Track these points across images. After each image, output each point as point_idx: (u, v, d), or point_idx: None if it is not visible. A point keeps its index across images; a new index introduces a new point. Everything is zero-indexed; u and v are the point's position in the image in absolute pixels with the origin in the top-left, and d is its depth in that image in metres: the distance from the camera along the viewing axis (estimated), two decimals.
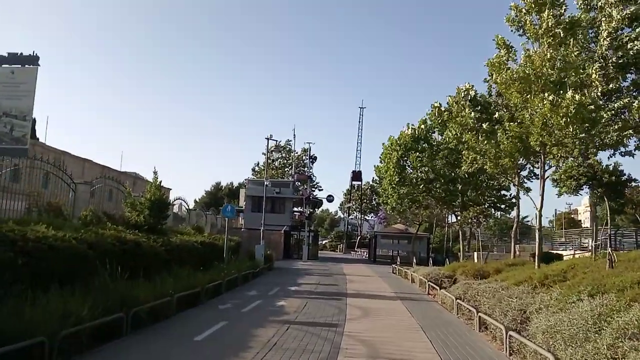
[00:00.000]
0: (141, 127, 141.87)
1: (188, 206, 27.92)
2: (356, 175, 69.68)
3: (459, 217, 23.96)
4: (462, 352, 8.29)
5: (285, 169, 53.50)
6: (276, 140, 26.23)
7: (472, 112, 17.69)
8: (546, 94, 13.47)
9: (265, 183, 27.23)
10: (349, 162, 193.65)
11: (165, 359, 7.47)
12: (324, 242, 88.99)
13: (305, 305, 13.08)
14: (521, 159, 17.61)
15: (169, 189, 64.79)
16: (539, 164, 15.93)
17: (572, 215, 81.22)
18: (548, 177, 17.75)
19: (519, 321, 8.76)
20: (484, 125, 16.83)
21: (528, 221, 42.21)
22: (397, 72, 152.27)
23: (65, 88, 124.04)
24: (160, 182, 16.98)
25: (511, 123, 15.61)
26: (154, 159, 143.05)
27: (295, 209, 42.61)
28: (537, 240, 15.92)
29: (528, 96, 14.60)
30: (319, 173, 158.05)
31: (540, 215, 15.86)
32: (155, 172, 17.01)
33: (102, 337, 7.88)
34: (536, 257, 15.12)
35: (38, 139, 52.02)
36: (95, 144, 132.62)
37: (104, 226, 13.29)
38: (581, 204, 73.42)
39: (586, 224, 56.62)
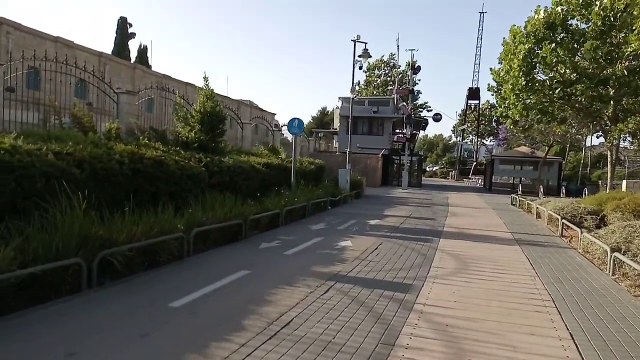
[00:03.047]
0: (246, 54, 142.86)
1: (272, 127, 25.13)
2: (473, 93, 61.23)
3: (610, 133, 17.68)
4: None
5: (388, 87, 48.33)
6: (365, 43, 21.48)
7: None
8: None
9: (351, 96, 22.96)
10: (465, 80, 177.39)
11: None
12: (434, 168, 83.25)
13: (374, 249, 9.44)
14: None
15: (273, 114, 63.98)
16: None
17: None
18: None
19: None
20: None
21: None
22: None
23: (173, 14, 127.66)
24: (213, 90, 13.95)
25: None
26: (260, 87, 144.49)
27: (398, 131, 37.97)
28: None
29: None
30: (429, 93, 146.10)
31: None
32: (205, 79, 14.00)
33: None
34: None
35: (151, 66, 53.35)
36: (200, 71, 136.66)
37: (128, 142, 10.73)
38: None
39: None
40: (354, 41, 21.33)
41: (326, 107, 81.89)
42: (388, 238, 10.92)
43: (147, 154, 9.58)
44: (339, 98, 34.17)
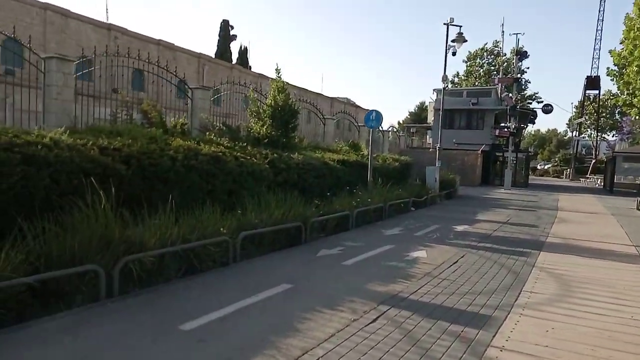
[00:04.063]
0: (343, 53, 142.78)
1: (356, 122, 23.97)
2: (591, 82, 54.27)
3: None
4: None
5: (491, 77, 44.36)
6: (459, 27, 19.36)
7: None
8: None
9: (443, 86, 20.81)
10: (583, 68, 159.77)
11: None
12: (545, 166, 76.04)
13: (452, 263, 7.89)
14: None
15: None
16: None
17: None
18: None
19: None
20: None
21: None
22: None
23: (273, 16, 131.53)
24: (284, 82, 13.21)
25: None
26: (358, 86, 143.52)
27: (502, 124, 34.55)
28: None
29: None
30: (540, 82, 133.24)
31: None
32: (277, 70, 13.29)
33: None
34: None
35: (251, 67, 55.17)
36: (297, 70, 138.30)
37: (190, 138, 10.32)
38: None
39: None
40: (447, 24, 19.35)
41: (424, 102, 78.62)
42: (473, 249, 9.24)
43: (204, 149, 9.00)
44: (433, 90, 31.99)
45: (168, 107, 13.78)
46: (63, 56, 10.04)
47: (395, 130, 31.58)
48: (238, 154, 9.88)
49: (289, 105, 13.07)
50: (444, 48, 19.45)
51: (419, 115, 76.18)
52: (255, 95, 13.88)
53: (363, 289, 6.19)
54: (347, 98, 64.35)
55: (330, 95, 57.34)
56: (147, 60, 11.95)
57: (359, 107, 58.64)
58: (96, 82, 11.60)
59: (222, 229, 7.13)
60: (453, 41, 19.57)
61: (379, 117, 13.59)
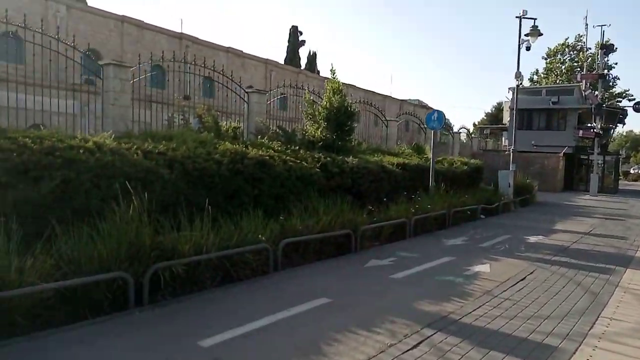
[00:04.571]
0: (415, 55, 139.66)
1: (423, 123, 22.89)
2: None
3: None
4: None
5: (574, 73, 40.84)
6: (534, 19, 17.78)
7: None
8: None
9: (517, 84, 19.12)
10: None
11: None
12: (639, 170, 69.17)
13: (519, 280, 6.97)
14: None
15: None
16: None
17: None
18: None
19: None
20: None
21: None
22: None
23: (341, 21, 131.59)
24: (340, 83, 12.76)
25: None
26: (430, 86, 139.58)
27: (588, 125, 31.61)
28: None
29: None
30: (631, 79, 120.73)
31: None
32: (332, 71, 12.89)
33: None
34: None
35: (319, 71, 55.51)
36: (367, 72, 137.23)
37: (240, 142, 10.16)
38: None
39: None
40: (519, 17, 17.82)
41: (502, 103, 74.66)
42: (546, 264, 8.18)
43: (251, 153, 8.76)
44: (509, 89, 29.80)
45: (234, 112, 13.88)
46: (119, 63, 10.30)
47: (467, 131, 29.90)
48: (287, 157, 9.54)
49: (344, 107, 12.56)
50: (517, 43, 17.96)
51: (495, 116, 72.37)
52: (312, 98, 13.53)
53: (408, 307, 5.55)
54: (418, 100, 62.66)
55: (400, 98, 56.08)
56: (211, 68, 12.09)
57: (430, 108, 56.78)
58: (169, 89, 11.93)
59: (260, 235, 6.78)
60: (527, 35, 18.04)
61: (441, 117, 12.71)
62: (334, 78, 12.72)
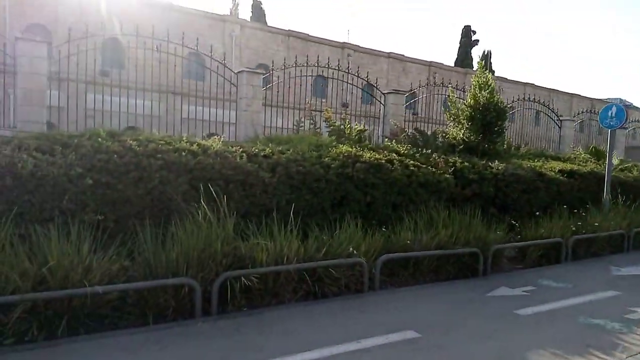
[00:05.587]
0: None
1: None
2: None
3: None
4: None
5: None
6: None
7: None
8: None
9: None
10: None
11: None
12: None
13: None
14: None
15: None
16: None
17: None
18: None
19: None
20: None
21: None
22: None
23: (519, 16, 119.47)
24: (488, 76, 11.20)
25: None
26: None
27: None
28: None
29: None
30: None
31: None
32: (480, 63, 11.51)
33: None
34: None
35: (494, 71, 51.56)
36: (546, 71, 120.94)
37: (365, 145, 9.48)
38: None
39: None
40: None
41: None
42: None
43: (365, 156, 7.99)
44: None
45: (372, 116, 13.39)
46: (252, 70, 10.58)
47: None
48: (409, 161, 8.49)
49: (493, 104, 10.85)
50: None
51: None
52: (456, 96, 12.08)
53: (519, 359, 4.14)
54: (620, 99, 53.04)
55: (569, 92, 46.55)
56: (346, 71, 11.88)
57: (635, 108, 47.27)
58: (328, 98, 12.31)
59: (351, 248, 5.97)
60: None
61: (621, 114, 9.97)
62: (483, 71, 11.14)
